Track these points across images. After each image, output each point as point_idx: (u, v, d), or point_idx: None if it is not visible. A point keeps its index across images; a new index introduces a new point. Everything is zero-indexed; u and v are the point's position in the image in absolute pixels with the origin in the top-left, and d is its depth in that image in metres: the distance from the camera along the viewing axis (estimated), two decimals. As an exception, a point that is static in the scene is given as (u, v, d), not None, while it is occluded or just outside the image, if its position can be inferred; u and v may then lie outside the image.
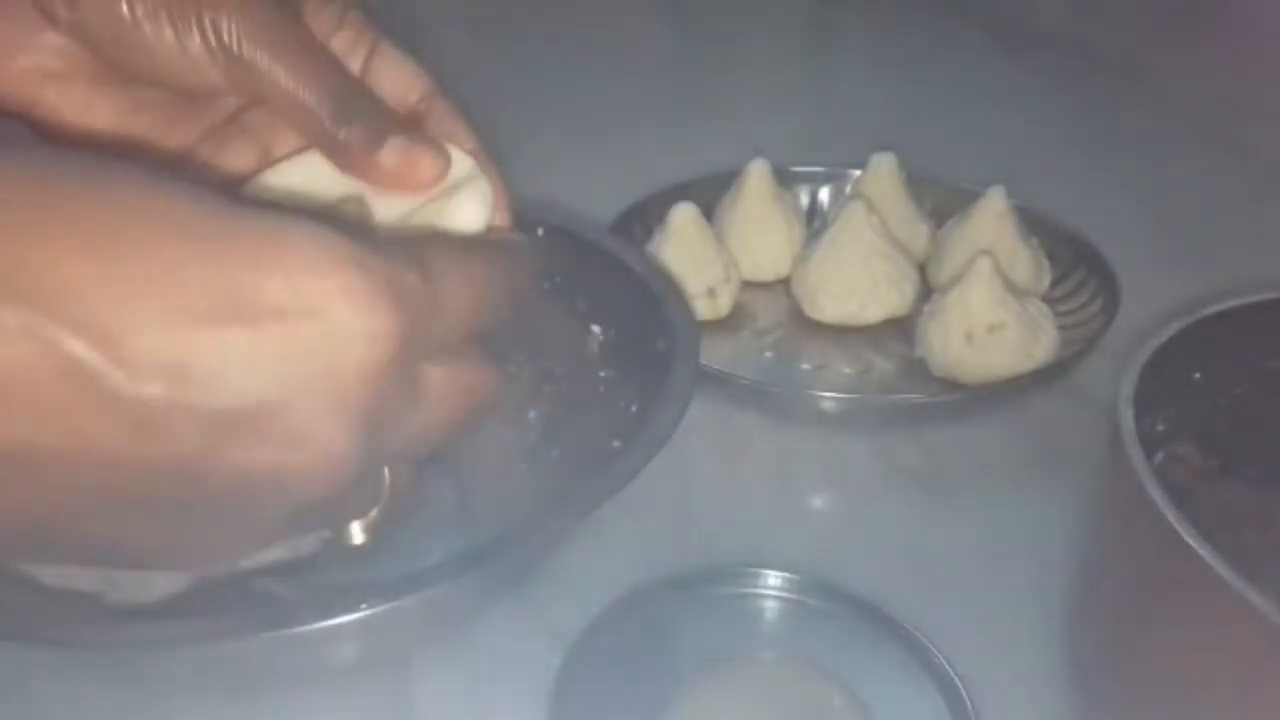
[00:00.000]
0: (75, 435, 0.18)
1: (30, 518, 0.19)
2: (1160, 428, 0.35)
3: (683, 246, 0.56)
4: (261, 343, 0.19)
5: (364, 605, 0.29)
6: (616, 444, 0.39)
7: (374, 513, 0.26)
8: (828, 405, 0.51)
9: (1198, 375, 0.36)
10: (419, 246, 0.22)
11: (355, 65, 0.31)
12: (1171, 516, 0.27)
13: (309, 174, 0.30)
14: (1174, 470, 0.36)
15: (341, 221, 0.21)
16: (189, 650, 0.31)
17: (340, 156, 0.29)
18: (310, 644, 0.31)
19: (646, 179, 0.65)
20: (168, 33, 0.27)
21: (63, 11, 0.28)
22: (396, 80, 0.32)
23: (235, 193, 0.21)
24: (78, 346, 0.18)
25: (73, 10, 0.27)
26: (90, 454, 0.18)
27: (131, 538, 0.21)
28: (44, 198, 0.18)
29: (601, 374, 0.44)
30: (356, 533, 0.30)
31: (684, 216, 0.56)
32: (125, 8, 0.27)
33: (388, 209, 0.29)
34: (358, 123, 0.28)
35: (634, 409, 0.40)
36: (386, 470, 0.26)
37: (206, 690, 0.38)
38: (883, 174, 0.61)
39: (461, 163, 0.30)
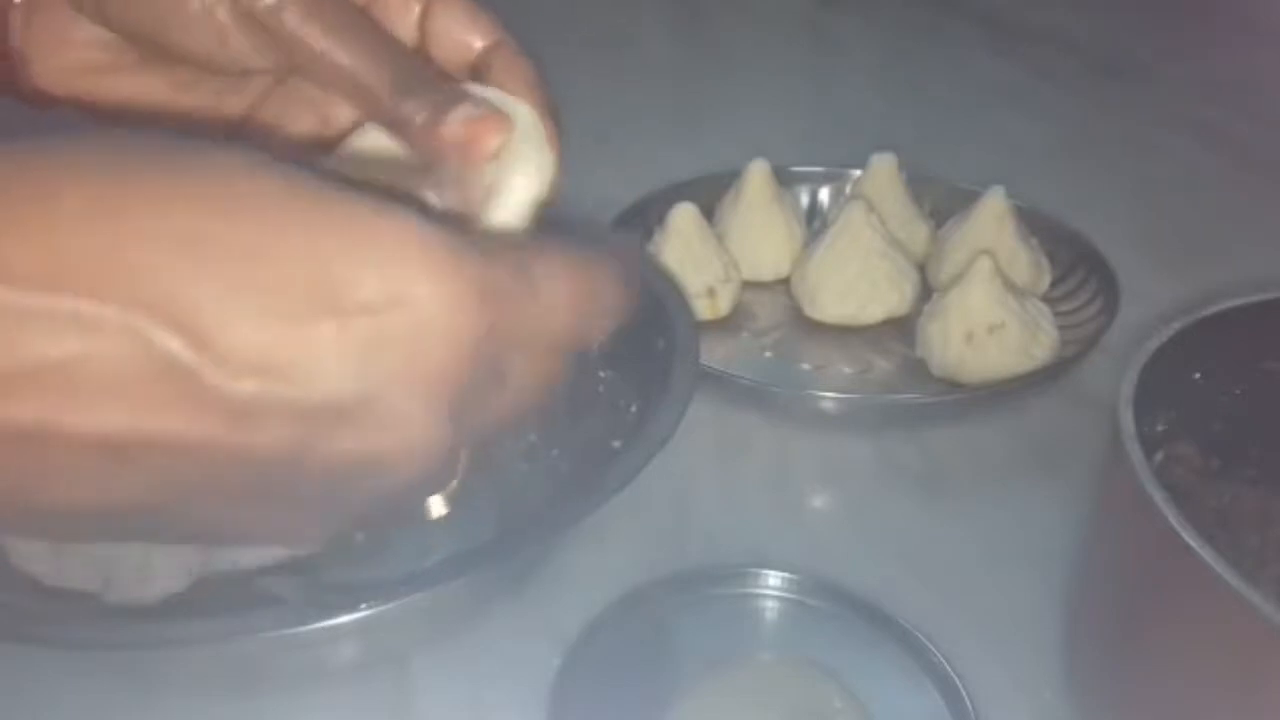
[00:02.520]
0: (171, 429, 0.19)
1: (127, 503, 0.20)
2: (1160, 428, 0.35)
3: (683, 246, 0.56)
4: (351, 335, 0.19)
5: (364, 605, 0.29)
6: (616, 444, 0.39)
7: (453, 484, 0.26)
8: (828, 405, 0.51)
9: (1198, 375, 0.36)
10: (521, 247, 0.22)
11: (413, 14, 0.31)
12: (1171, 516, 0.27)
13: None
14: (1174, 470, 0.36)
15: (438, 212, 0.21)
16: (189, 650, 0.31)
17: (401, 132, 0.28)
18: (310, 644, 0.31)
19: (646, 179, 0.65)
20: (195, 5, 0.27)
21: (89, 3, 0.28)
22: (458, 29, 0.31)
23: (328, 173, 0.21)
24: (174, 345, 0.18)
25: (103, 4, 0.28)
26: (186, 447, 0.19)
27: (224, 521, 0.21)
28: (138, 187, 0.19)
29: (601, 374, 0.44)
30: (438, 505, 0.30)
31: (684, 216, 0.56)
32: None
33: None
34: (417, 96, 0.28)
35: (634, 409, 0.40)
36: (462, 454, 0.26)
37: (207, 690, 0.38)
38: (883, 174, 0.61)
39: (521, 115, 0.29)
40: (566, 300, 0.23)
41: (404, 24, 0.31)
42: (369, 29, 0.29)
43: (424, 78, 0.29)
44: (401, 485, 0.22)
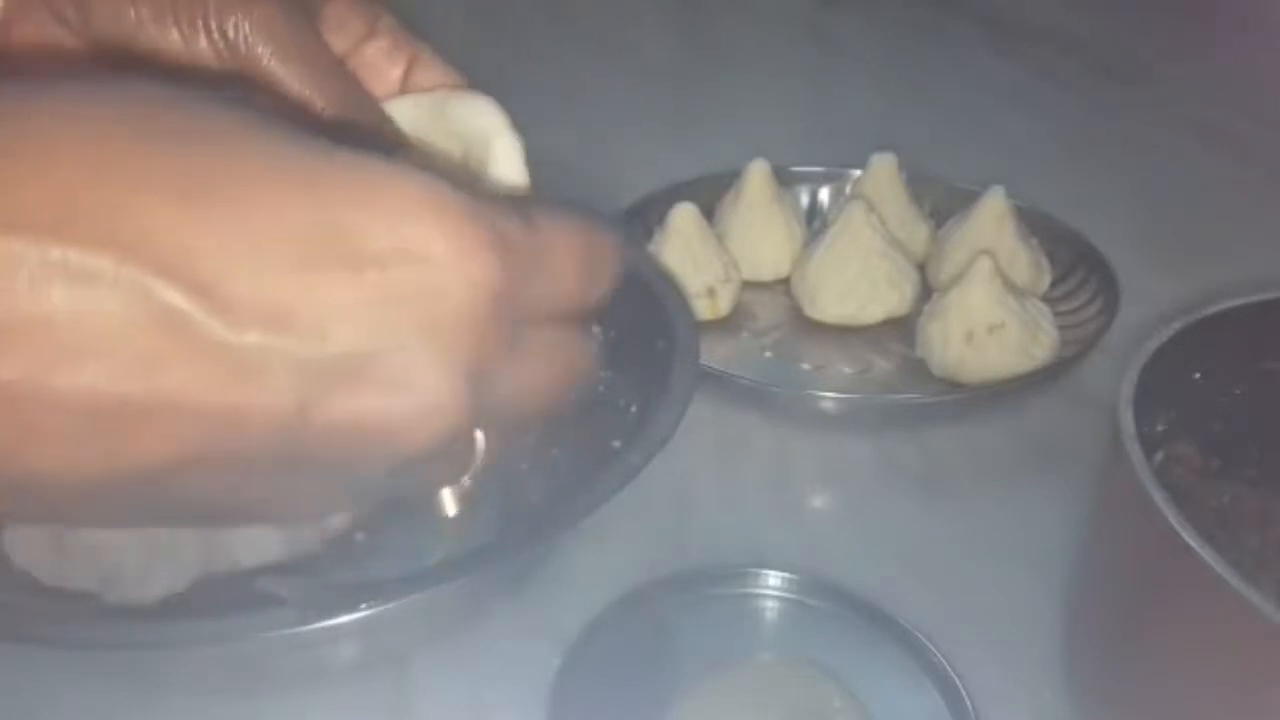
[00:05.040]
0: (171, 387, 0.18)
1: (127, 474, 0.19)
2: (1160, 428, 0.35)
3: (683, 246, 0.56)
4: (361, 288, 0.19)
5: (364, 605, 0.29)
6: (616, 444, 0.39)
7: (466, 481, 0.26)
8: (828, 405, 0.51)
9: (1198, 375, 0.36)
10: (524, 203, 0.22)
11: (395, 74, 0.31)
12: (1171, 516, 0.27)
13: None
14: (1174, 470, 0.36)
15: (445, 168, 0.21)
16: (189, 650, 0.31)
17: None
18: (310, 644, 0.31)
19: (646, 179, 0.65)
20: (174, 35, 0.27)
21: (73, 15, 0.28)
22: (434, 87, 0.31)
23: (334, 128, 0.20)
24: (173, 294, 0.17)
25: (82, 12, 0.27)
26: (187, 406, 0.18)
27: (229, 494, 0.20)
28: (139, 137, 0.18)
29: (601, 374, 0.44)
30: (449, 503, 0.30)
31: (684, 216, 0.56)
32: (132, 11, 0.27)
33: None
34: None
35: (634, 409, 0.40)
36: (479, 435, 0.25)
37: (206, 690, 0.38)
38: (883, 174, 0.61)
39: (494, 116, 0.29)
40: (571, 260, 0.22)
41: (388, 79, 0.31)
42: (324, 60, 0.29)
43: (367, 110, 0.29)
44: (415, 454, 0.21)
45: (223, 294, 0.18)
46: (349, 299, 0.19)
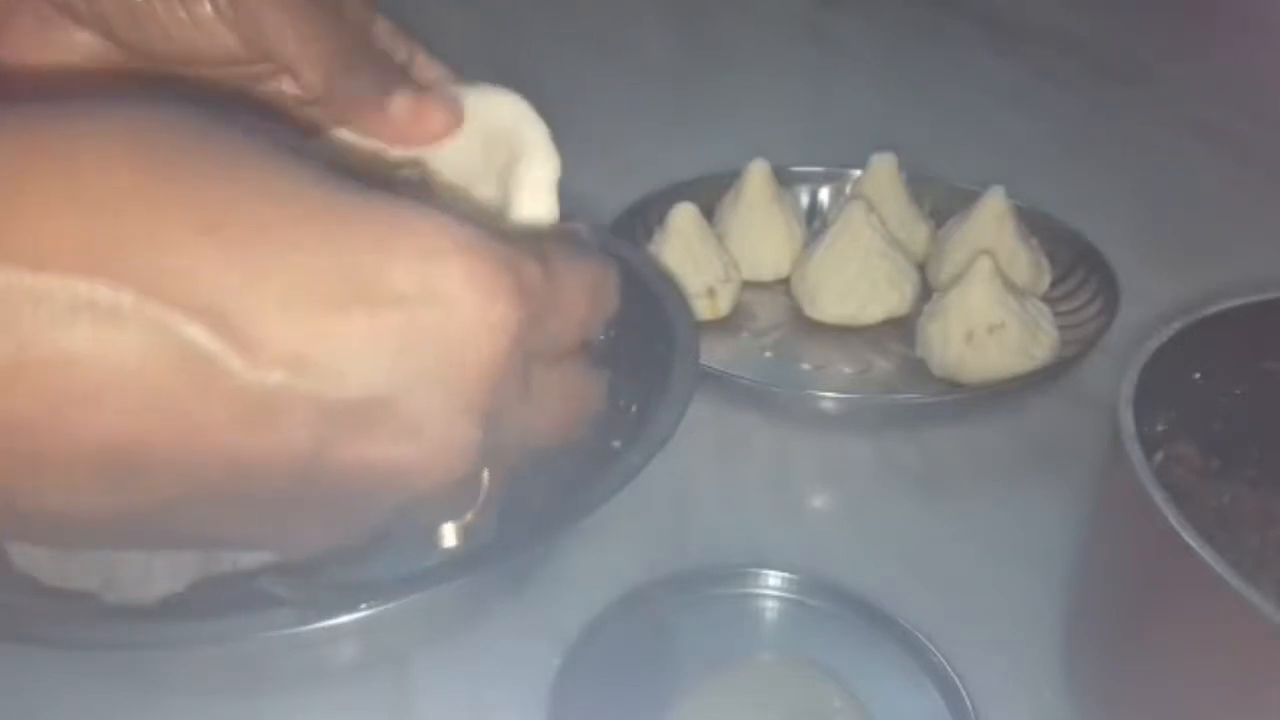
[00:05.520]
0: (188, 426, 0.18)
1: (135, 509, 0.19)
2: (1160, 428, 0.35)
3: (683, 246, 0.56)
4: (382, 330, 0.18)
5: (364, 605, 0.29)
6: (616, 444, 0.39)
7: (469, 516, 0.26)
8: (828, 405, 0.51)
9: (1198, 375, 0.36)
10: (539, 242, 0.22)
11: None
12: (1171, 516, 0.27)
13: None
14: (1174, 470, 0.36)
15: (466, 208, 0.20)
16: (189, 650, 0.31)
17: (347, 109, 0.28)
18: (310, 644, 0.31)
19: (646, 179, 0.65)
20: (176, 5, 0.27)
21: (82, 5, 0.27)
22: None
23: (357, 174, 0.20)
24: (196, 332, 0.17)
25: (91, 2, 0.27)
26: (203, 446, 0.18)
27: (237, 527, 0.20)
28: (164, 171, 0.18)
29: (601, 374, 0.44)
30: (450, 535, 0.30)
31: (684, 216, 0.56)
32: None
33: (453, 168, 0.29)
34: (364, 74, 0.28)
35: (634, 409, 0.40)
36: (485, 473, 0.25)
37: (206, 690, 0.38)
38: (883, 174, 0.61)
39: (509, 104, 0.29)
40: (581, 297, 0.23)
41: None
42: (325, 10, 0.29)
43: (375, 60, 0.29)
44: (421, 499, 0.21)
45: (245, 333, 0.17)
46: (369, 341, 0.18)
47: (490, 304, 0.19)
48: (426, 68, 0.32)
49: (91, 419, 0.17)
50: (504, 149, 0.28)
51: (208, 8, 0.27)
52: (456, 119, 0.28)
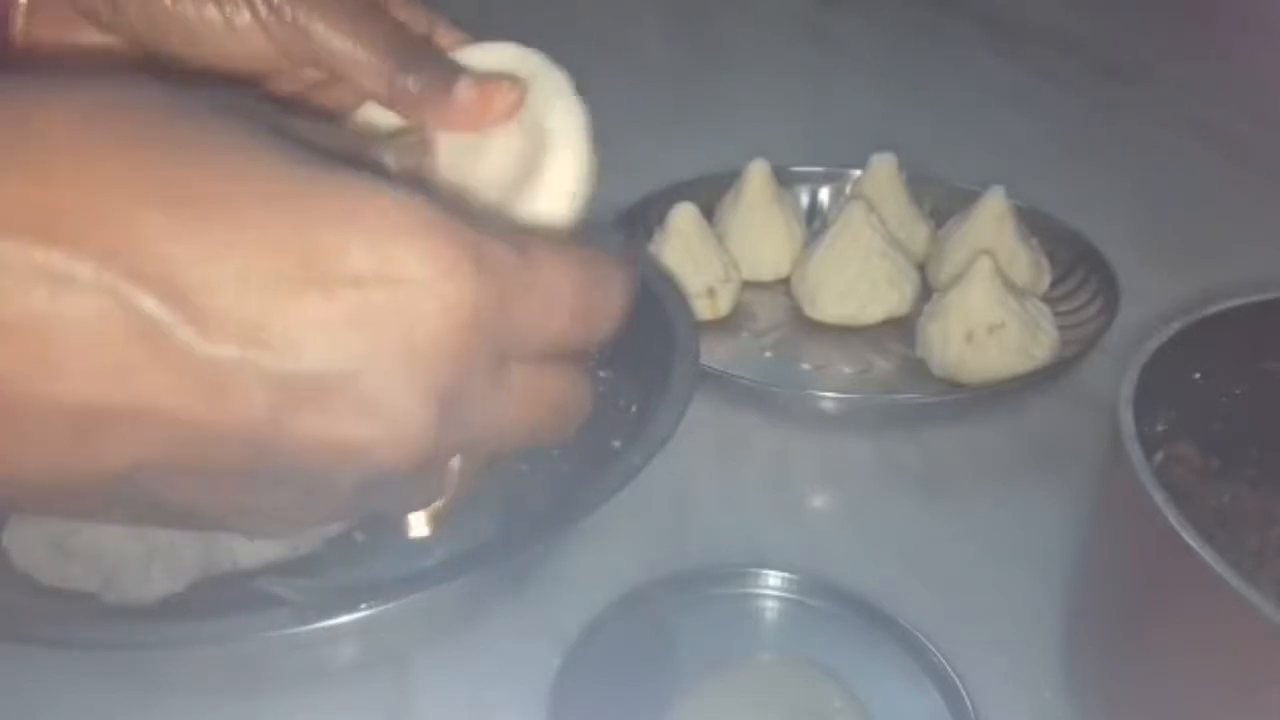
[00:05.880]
0: (143, 395, 0.18)
1: (96, 477, 0.19)
2: (1160, 428, 0.35)
3: (683, 246, 0.56)
4: (337, 307, 0.19)
5: (364, 605, 0.29)
6: (616, 444, 0.39)
7: (439, 504, 0.25)
8: (828, 405, 0.51)
9: (1198, 375, 0.36)
10: (521, 230, 0.22)
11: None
12: (1171, 516, 0.27)
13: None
14: (1174, 470, 0.36)
15: (433, 188, 0.20)
16: (189, 650, 0.31)
17: (412, 105, 0.28)
18: (310, 644, 0.31)
19: (646, 179, 0.65)
20: (212, 11, 0.27)
21: (105, 10, 0.27)
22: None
23: (318, 145, 0.20)
24: (151, 303, 0.17)
25: (114, 9, 0.27)
26: (157, 415, 0.18)
27: (200, 503, 0.21)
28: (128, 144, 0.18)
29: (601, 374, 0.45)
30: (419, 524, 0.30)
31: (684, 216, 0.56)
32: None
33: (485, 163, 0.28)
34: (423, 70, 0.28)
35: (634, 409, 0.40)
36: (456, 462, 0.25)
37: (206, 690, 0.38)
38: (883, 174, 0.61)
39: (545, 74, 0.29)
40: (569, 294, 0.22)
41: None
42: (370, 11, 0.29)
43: (429, 53, 0.29)
44: (384, 476, 0.21)
45: (200, 305, 0.18)
46: (325, 317, 0.19)
47: (445, 281, 0.19)
48: (447, 36, 0.31)
49: (55, 383, 0.17)
50: (537, 129, 0.28)
51: (247, 15, 0.27)
52: (520, 96, 0.28)
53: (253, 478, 0.20)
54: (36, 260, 0.17)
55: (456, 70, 0.28)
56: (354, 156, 0.22)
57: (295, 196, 0.19)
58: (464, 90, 0.28)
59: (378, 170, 0.21)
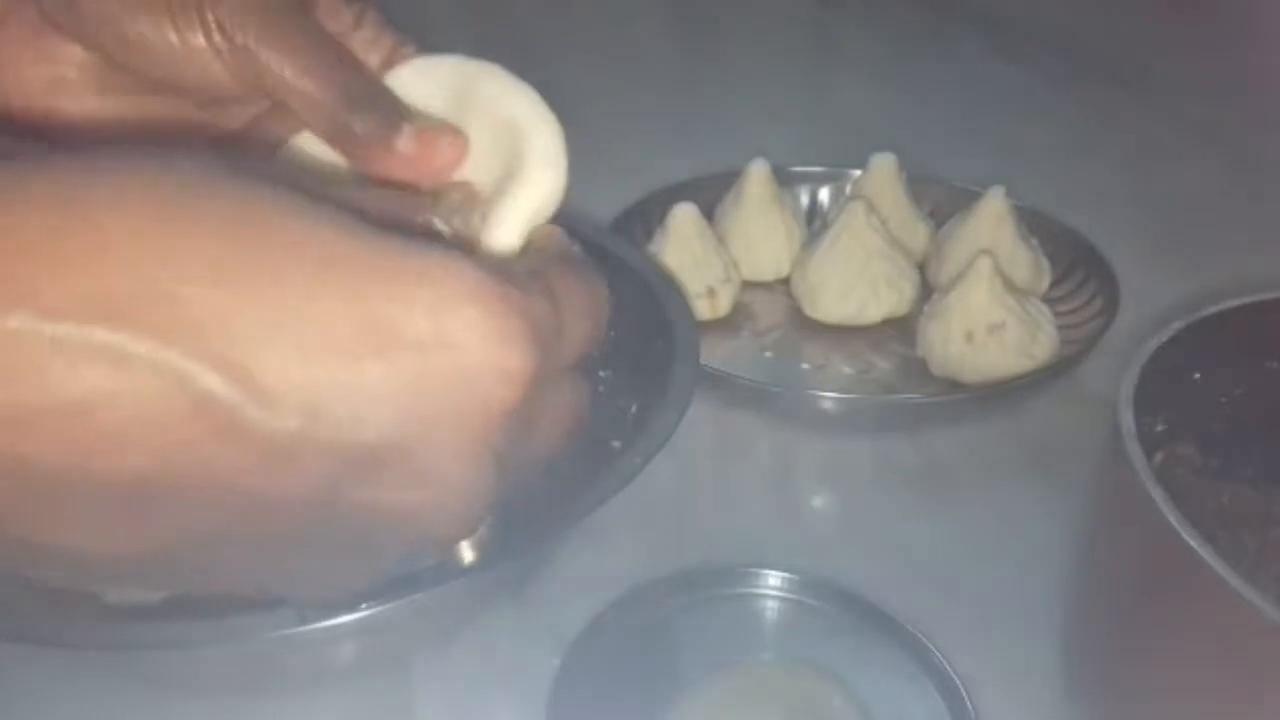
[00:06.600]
0: (202, 470, 0.18)
1: (156, 548, 0.19)
2: (1160, 428, 0.35)
3: (683, 246, 0.56)
4: (398, 378, 0.19)
5: (364, 605, 0.29)
6: (616, 444, 0.39)
7: (481, 530, 0.26)
8: (828, 405, 0.51)
9: (1198, 375, 0.36)
10: (544, 271, 0.22)
11: (373, 64, 0.30)
12: (1171, 516, 0.27)
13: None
14: (1174, 470, 0.36)
15: (477, 252, 0.20)
16: (189, 651, 0.31)
17: (353, 148, 0.28)
18: (310, 644, 0.31)
19: (646, 179, 0.65)
20: (168, 30, 0.27)
21: (64, 16, 0.27)
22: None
23: (367, 213, 0.20)
24: (213, 381, 0.17)
25: (73, 12, 0.27)
26: (216, 489, 0.18)
27: (253, 569, 0.21)
28: (181, 222, 0.18)
29: (601, 374, 0.44)
30: (466, 551, 0.30)
31: (684, 216, 0.56)
32: (124, 10, 0.26)
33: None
34: (369, 111, 0.27)
35: (634, 409, 0.40)
36: None
37: (206, 690, 0.38)
38: (883, 174, 0.61)
39: (525, 101, 0.28)
40: (583, 321, 0.23)
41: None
42: (324, 45, 0.28)
43: (378, 95, 0.28)
44: (438, 542, 0.21)
45: (261, 381, 0.18)
46: (384, 389, 0.19)
47: (505, 352, 0.19)
48: (374, 42, 0.30)
49: (115, 462, 0.17)
50: (509, 145, 0.28)
51: (200, 39, 0.26)
52: (461, 154, 0.28)
53: (306, 545, 0.20)
54: (95, 342, 0.17)
55: (401, 118, 0.27)
56: (400, 221, 0.22)
57: (349, 267, 0.19)
58: (404, 143, 0.27)
59: (427, 234, 0.21)
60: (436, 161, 0.27)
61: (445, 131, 0.27)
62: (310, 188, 0.20)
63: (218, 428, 0.18)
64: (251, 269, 0.18)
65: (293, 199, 0.19)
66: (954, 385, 0.52)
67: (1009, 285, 0.52)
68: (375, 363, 0.18)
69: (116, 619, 0.34)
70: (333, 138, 0.28)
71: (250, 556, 0.20)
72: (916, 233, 0.61)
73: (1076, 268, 0.59)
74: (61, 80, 0.28)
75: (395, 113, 0.28)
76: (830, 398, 0.51)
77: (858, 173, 0.64)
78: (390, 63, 0.30)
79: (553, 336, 0.21)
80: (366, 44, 0.30)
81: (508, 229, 0.26)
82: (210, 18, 0.26)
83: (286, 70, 0.27)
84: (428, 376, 0.19)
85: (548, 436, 0.24)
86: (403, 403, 0.19)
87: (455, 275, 0.19)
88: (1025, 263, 0.57)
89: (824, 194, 0.67)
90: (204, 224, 0.18)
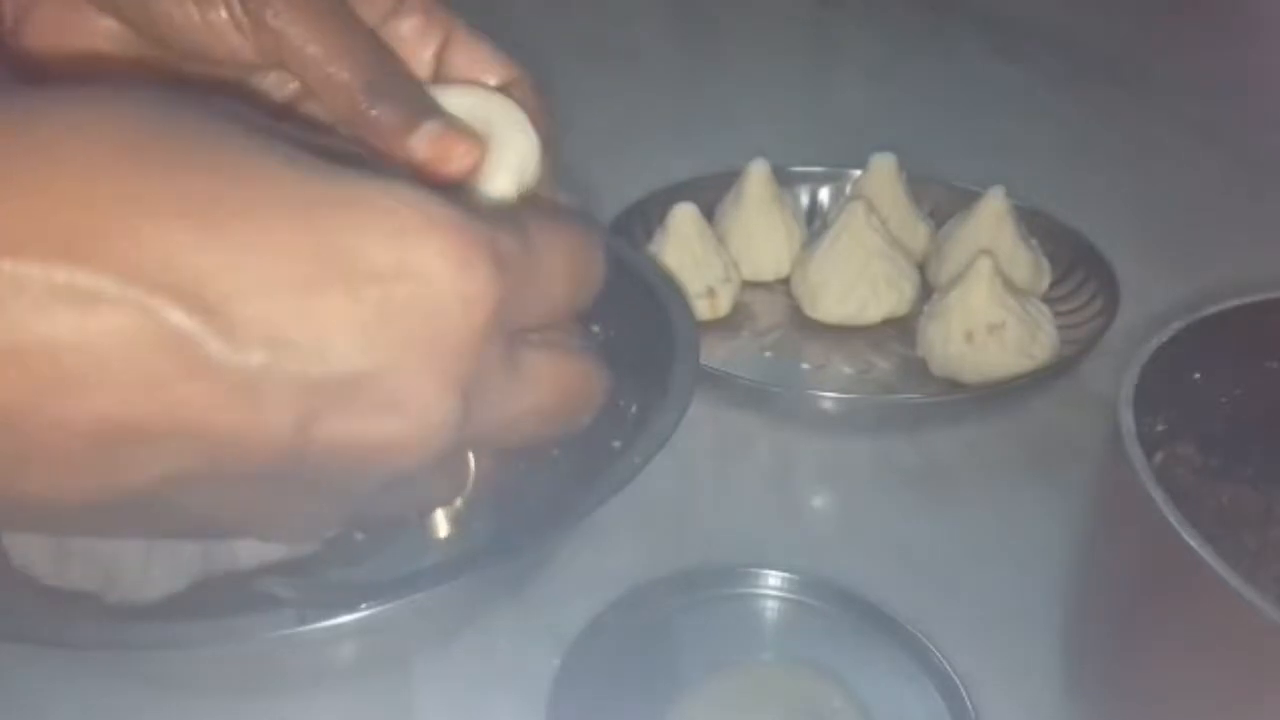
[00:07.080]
0: (172, 407, 0.18)
1: (124, 492, 0.19)
2: (1160, 428, 0.35)
3: (683, 246, 0.56)
4: (361, 308, 0.19)
5: (364, 605, 0.29)
6: (616, 444, 0.39)
7: (458, 502, 0.25)
8: (828, 405, 0.51)
9: (1198, 375, 0.36)
10: (522, 220, 0.22)
11: (427, 54, 0.30)
12: (1171, 516, 0.27)
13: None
14: (1174, 470, 0.36)
15: (437, 185, 0.20)
16: (189, 650, 0.31)
17: (372, 135, 0.27)
18: (310, 644, 0.31)
19: (646, 179, 0.65)
20: (190, 5, 0.26)
21: None
22: (476, 66, 0.30)
23: (332, 152, 0.20)
24: (177, 315, 0.17)
25: None
26: (186, 426, 0.18)
27: (224, 509, 0.21)
28: (142, 157, 0.18)
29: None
30: (441, 524, 0.30)
31: (684, 216, 0.56)
32: None
33: None
34: (391, 102, 0.27)
35: (634, 409, 0.40)
36: (471, 458, 0.25)
37: (206, 690, 0.38)
38: (883, 174, 0.61)
39: (511, 114, 0.28)
40: (562, 266, 0.22)
41: (420, 58, 0.30)
42: (351, 27, 0.27)
43: (402, 84, 0.28)
44: (409, 472, 0.21)
45: (226, 315, 0.18)
46: (348, 319, 0.19)
47: (466, 277, 0.19)
48: (463, 52, 0.30)
49: (78, 404, 0.17)
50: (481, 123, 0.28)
51: (222, 13, 0.26)
52: (475, 162, 0.27)
53: (277, 482, 0.20)
54: (57, 280, 0.17)
55: (424, 113, 0.27)
56: (353, 157, 0.22)
57: (309, 199, 0.19)
58: (420, 139, 0.27)
59: (380, 168, 0.21)
60: (450, 166, 0.27)
61: (463, 137, 0.27)
62: (269, 125, 0.20)
63: (184, 364, 0.18)
64: (210, 202, 0.18)
65: (251, 134, 0.19)
66: (954, 385, 0.52)
67: (1009, 285, 0.52)
68: (337, 293, 0.19)
69: (116, 619, 0.34)
70: (350, 123, 0.28)
71: (220, 498, 0.20)
72: (916, 233, 0.61)
73: (1076, 268, 0.59)
74: (96, 53, 0.28)
75: (416, 108, 0.27)
76: (830, 398, 0.51)
77: (858, 173, 0.64)
78: (447, 51, 0.30)
79: (521, 273, 0.21)
80: (416, 31, 0.29)
81: (497, 177, 0.27)
82: None
83: (310, 50, 0.27)
84: (389, 305, 0.19)
85: (539, 392, 0.23)
86: (366, 332, 0.19)
87: (415, 205, 0.19)
88: (1025, 263, 0.57)
89: (824, 194, 0.67)
90: (163, 157, 0.18)
